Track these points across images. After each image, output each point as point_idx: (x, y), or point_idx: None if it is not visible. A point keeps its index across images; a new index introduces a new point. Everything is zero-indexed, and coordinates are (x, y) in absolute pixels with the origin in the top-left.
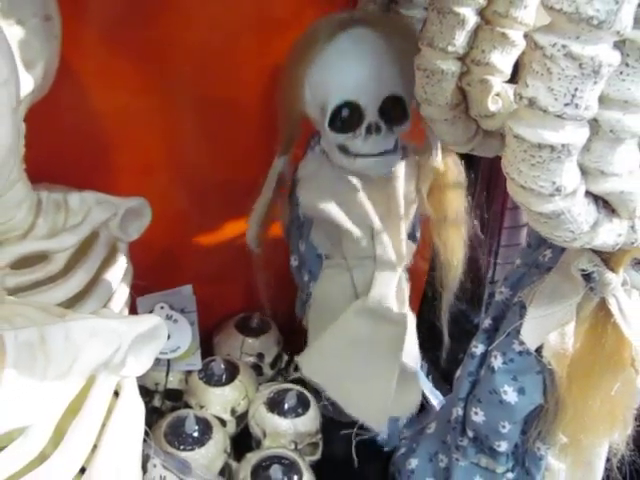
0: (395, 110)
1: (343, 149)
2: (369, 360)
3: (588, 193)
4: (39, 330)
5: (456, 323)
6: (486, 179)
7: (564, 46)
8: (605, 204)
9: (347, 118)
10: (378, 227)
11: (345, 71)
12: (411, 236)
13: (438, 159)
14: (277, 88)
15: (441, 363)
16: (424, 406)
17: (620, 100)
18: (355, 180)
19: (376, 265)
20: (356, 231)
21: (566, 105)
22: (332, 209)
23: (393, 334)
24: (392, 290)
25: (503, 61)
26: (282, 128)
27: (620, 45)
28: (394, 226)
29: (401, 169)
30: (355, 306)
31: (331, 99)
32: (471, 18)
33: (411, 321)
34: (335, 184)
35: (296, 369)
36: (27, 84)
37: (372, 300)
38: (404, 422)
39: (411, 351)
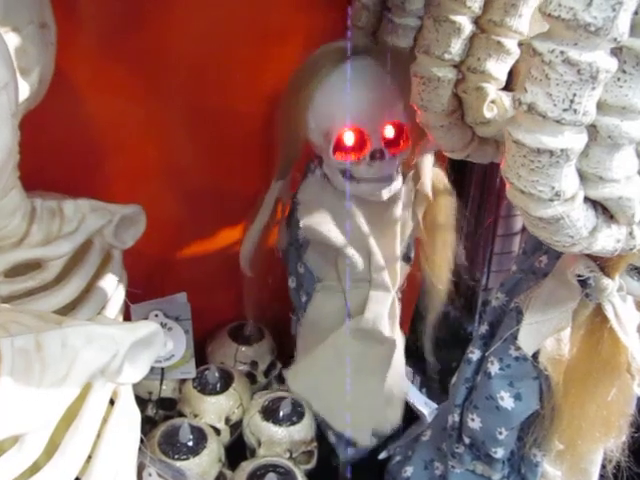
0: (397, 137)
1: (346, 174)
2: (357, 378)
3: (587, 199)
4: (35, 337)
5: (450, 331)
6: (479, 187)
7: (562, 52)
8: (604, 210)
9: (352, 145)
10: (375, 250)
11: (349, 99)
12: (405, 258)
13: (427, 188)
14: (276, 113)
15: (428, 379)
16: (417, 418)
17: (618, 106)
18: (355, 204)
19: (371, 287)
20: (354, 254)
21: (565, 110)
22: (332, 232)
23: (383, 354)
24: (385, 311)
25: (498, 69)
26: (282, 152)
27: (617, 52)
28: (390, 249)
29: (400, 194)
30: (348, 326)
31: (336, 126)
32: (467, 26)
33: (400, 341)
34: (335, 208)
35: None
36: (23, 91)
37: (366, 321)
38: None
39: (398, 368)
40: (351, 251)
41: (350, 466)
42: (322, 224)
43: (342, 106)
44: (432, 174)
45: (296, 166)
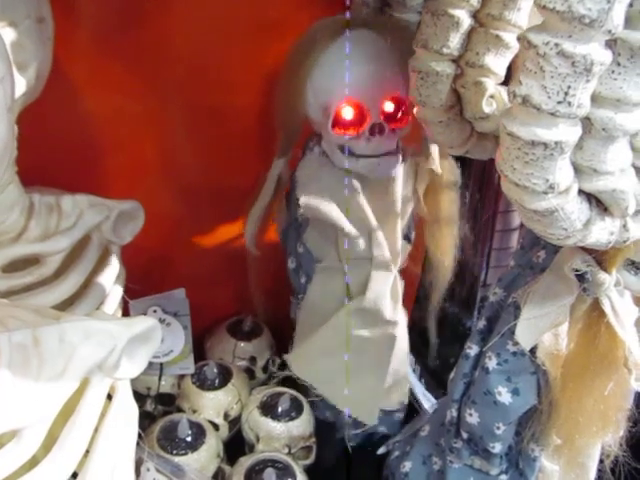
0: (397, 111)
1: (345, 150)
2: (360, 358)
3: (581, 191)
4: (33, 332)
5: (449, 327)
6: (478, 182)
7: (557, 45)
8: (598, 202)
9: (350, 119)
10: (375, 228)
11: (348, 73)
12: (406, 237)
13: (436, 162)
14: (275, 90)
15: (430, 364)
16: (416, 410)
17: (612, 98)
18: (355, 181)
19: (372, 265)
20: (354, 232)
21: (559, 103)
22: (332, 210)
23: (386, 333)
24: (387, 290)
25: (497, 63)
26: (281, 130)
27: (612, 44)
28: (391, 227)
29: (400, 171)
30: (350, 306)
31: (334, 100)
32: (465, 20)
33: (403, 320)
34: (335, 185)
35: (284, 367)
36: (20, 86)
37: (368, 300)
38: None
39: (402, 347)
40: (350, 228)
41: (348, 461)
42: (321, 201)
43: (340, 80)
44: (443, 164)
45: (298, 144)
